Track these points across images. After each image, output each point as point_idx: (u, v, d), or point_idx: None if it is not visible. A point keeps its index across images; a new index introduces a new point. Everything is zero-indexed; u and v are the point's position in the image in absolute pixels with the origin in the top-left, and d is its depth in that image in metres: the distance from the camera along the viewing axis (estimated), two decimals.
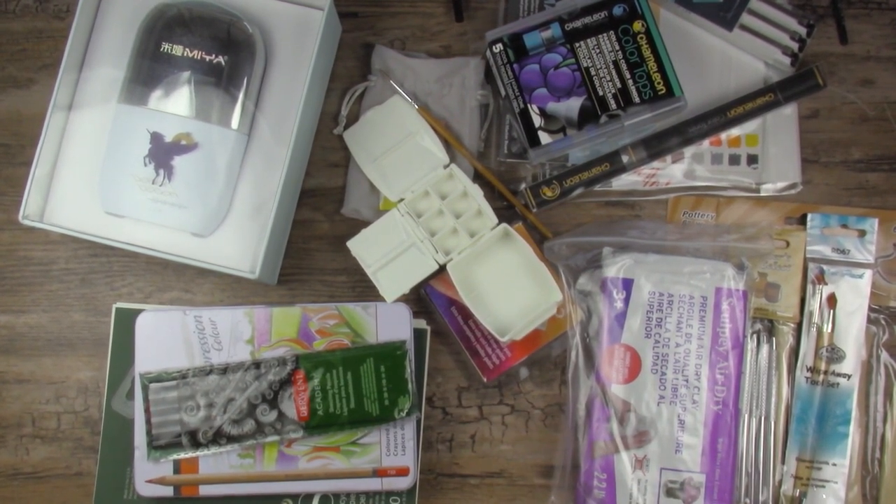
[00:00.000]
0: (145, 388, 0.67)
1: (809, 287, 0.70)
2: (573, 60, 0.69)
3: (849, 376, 0.69)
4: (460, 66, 0.72)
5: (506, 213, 0.71)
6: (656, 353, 0.67)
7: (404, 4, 0.74)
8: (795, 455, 0.68)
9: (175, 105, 0.67)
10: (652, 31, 0.68)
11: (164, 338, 0.68)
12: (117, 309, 0.71)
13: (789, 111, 0.72)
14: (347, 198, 0.71)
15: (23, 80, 0.74)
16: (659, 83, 0.68)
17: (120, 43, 0.68)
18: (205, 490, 0.67)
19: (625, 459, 0.67)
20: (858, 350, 0.69)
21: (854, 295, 0.69)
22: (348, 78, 0.74)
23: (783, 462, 0.69)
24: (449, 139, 0.71)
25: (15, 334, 0.72)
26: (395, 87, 0.71)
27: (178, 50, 0.67)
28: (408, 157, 0.70)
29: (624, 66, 0.68)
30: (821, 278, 0.70)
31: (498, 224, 0.67)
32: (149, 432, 0.67)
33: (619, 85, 0.68)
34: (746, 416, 0.68)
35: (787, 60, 0.71)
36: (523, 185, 0.71)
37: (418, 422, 0.69)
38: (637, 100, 0.68)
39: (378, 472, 0.67)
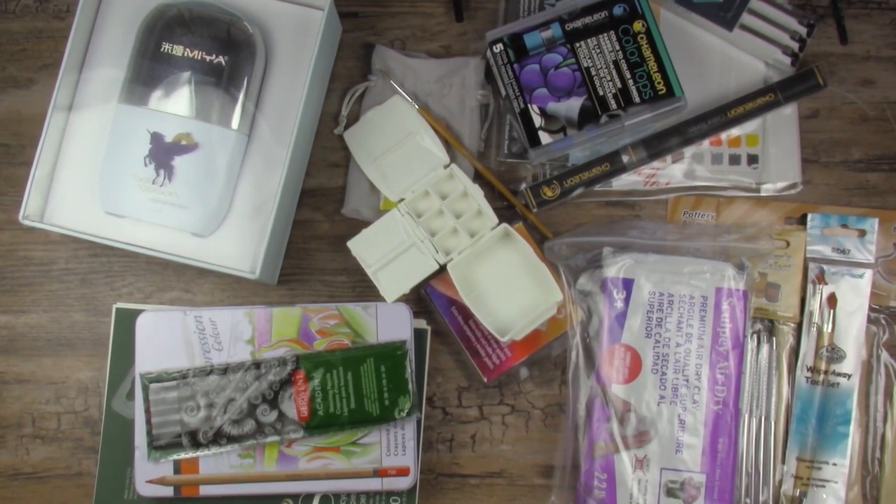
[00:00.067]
0: (145, 389, 0.67)
1: (810, 287, 0.70)
2: (573, 60, 0.69)
3: (849, 376, 0.69)
4: (460, 66, 0.72)
5: (506, 213, 0.71)
6: (656, 353, 0.67)
7: (404, 4, 0.74)
8: (796, 455, 0.68)
9: (175, 105, 0.67)
10: (652, 30, 0.68)
11: (165, 338, 0.68)
12: (117, 309, 0.71)
13: (789, 111, 0.72)
14: (348, 198, 0.71)
15: (23, 80, 0.74)
16: (659, 83, 0.68)
17: (120, 43, 0.68)
18: (205, 490, 0.67)
19: (625, 459, 0.67)
20: (858, 350, 0.69)
21: (854, 295, 0.69)
22: (348, 78, 0.74)
23: (783, 462, 0.69)
24: (449, 139, 0.71)
25: (15, 334, 0.72)
26: (396, 87, 0.71)
27: (178, 50, 0.67)
28: (408, 157, 0.70)
29: (624, 66, 0.68)
30: (821, 278, 0.70)
31: (498, 224, 0.67)
32: (149, 432, 0.67)
33: (619, 85, 0.68)
34: (747, 415, 0.69)
35: (787, 60, 0.71)
36: (523, 185, 0.71)
37: (418, 422, 0.69)
38: (637, 100, 0.68)
39: (378, 472, 0.67)
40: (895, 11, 0.73)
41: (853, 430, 0.68)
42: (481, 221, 0.68)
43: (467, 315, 0.69)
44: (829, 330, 0.69)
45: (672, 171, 0.72)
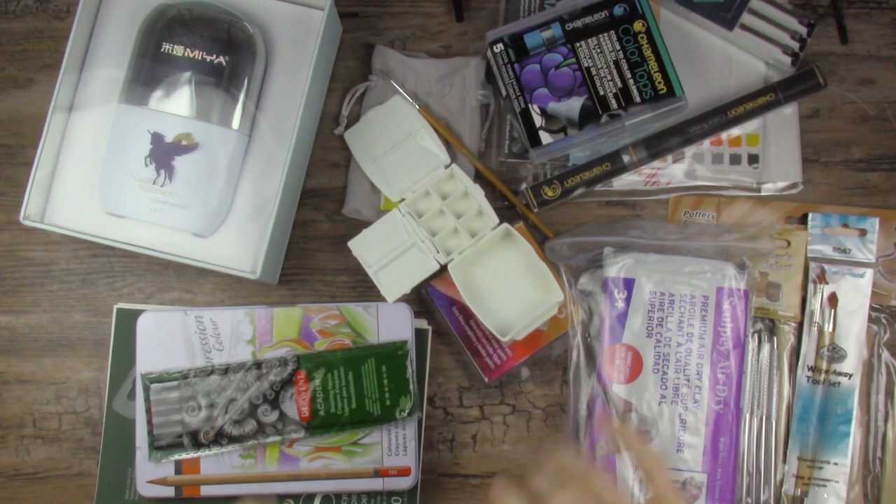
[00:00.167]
0: (146, 389, 0.67)
1: (810, 286, 0.70)
2: (574, 60, 0.69)
3: (850, 375, 0.69)
4: (461, 65, 0.72)
5: (507, 212, 0.71)
6: (657, 353, 0.67)
7: (405, 4, 0.74)
8: (797, 454, 0.68)
9: (176, 105, 0.67)
10: (652, 30, 0.68)
11: (166, 338, 0.68)
12: (118, 309, 0.71)
13: (790, 111, 0.72)
14: (348, 198, 0.71)
15: (23, 81, 0.73)
16: (660, 83, 0.68)
17: (120, 43, 0.68)
18: (206, 490, 0.67)
19: (626, 459, 0.67)
20: (859, 349, 0.69)
21: (855, 294, 0.69)
22: (349, 78, 0.74)
23: (784, 461, 0.69)
24: (450, 139, 0.71)
25: (16, 335, 0.72)
26: (396, 87, 0.71)
27: (178, 50, 0.67)
28: (409, 157, 0.70)
29: (625, 66, 0.68)
30: (822, 278, 0.70)
31: (499, 224, 0.67)
32: (150, 433, 0.67)
33: (619, 85, 0.68)
34: (748, 415, 0.69)
35: (787, 60, 0.71)
36: (524, 185, 0.71)
37: (419, 422, 0.69)
38: (638, 99, 0.68)
39: (379, 473, 0.67)
40: (895, 11, 0.73)
41: (854, 429, 0.68)
42: (482, 221, 0.68)
43: (468, 315, 0.69)
44: (830, 329, 0.69)
45: (673, 171, 0.72)
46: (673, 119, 0.70)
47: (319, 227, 0.72)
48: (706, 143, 0.72)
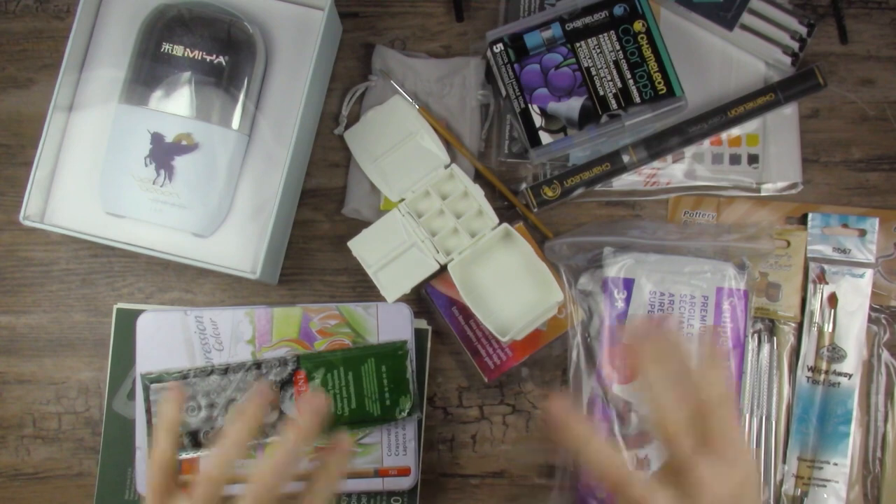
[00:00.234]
0: (146, 389, 0.67)
1: (810, 287, 0.70)
2: (574, 60, 0.69)
3: (850, 376, 0.69)
4: (461, 65, 0.72)
5: (506, 212, 0.71)
6: None
7: (405, 4, 0.74)
8: (796, 454, 0.68)
9: (176, 105, 0.67)
10: (652, 30, 0.68)
11: (165, 338, 0.68)
12: (118, 309, 0.71)
13: (790, 111, 0.72)
14: (348, 198, 0.71)
15: (23, 80, 0.74)
16: (659, 83, 0.68)
17: (120, 43, 0.68)
18: None
19: (626, 459, 0.67)
20: (859, 349, 0.69)
21: (855, 294, 0.69)
22: (349, 78, 0.74)
23: (784, 461, 0.69)
24: (449, 139, 0.71)
25: (16, 335, 0.72)
26: (396, 87, 0.71)
27: (178, 50, 0.67)
28: (408, 157, 0.70)
29: (624, 66, 0.68)
30: (822, 278, 0.70)
31: (499, 224, 0.67)
32: (150, 433, 0.67)
33: (619, 85, 0.68)
34: (747, 415, 0.69)
35: (787, 60, 0.71)
36: (524, 185, 0.71)
37: (419, 422, 0.69)
38: (638, 99, 0.68)
39: (379, 473, 0.67)
40: (895, 11, 0.73)
41: (854, 429, 0.68)
42: (482, 221, 0.68)
43: (468, 315, 0.69)
44: (830, 329, 0.69)
45: (672, 171, 0.72)
46: (673, 119, 0.70)
47: (319, 227, 0.72)
48: (706, 143, 0.72)
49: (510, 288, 0.68)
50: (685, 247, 0.69)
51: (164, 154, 0.67)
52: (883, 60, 0.73)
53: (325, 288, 0.72)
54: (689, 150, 0.72)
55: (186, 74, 0.67)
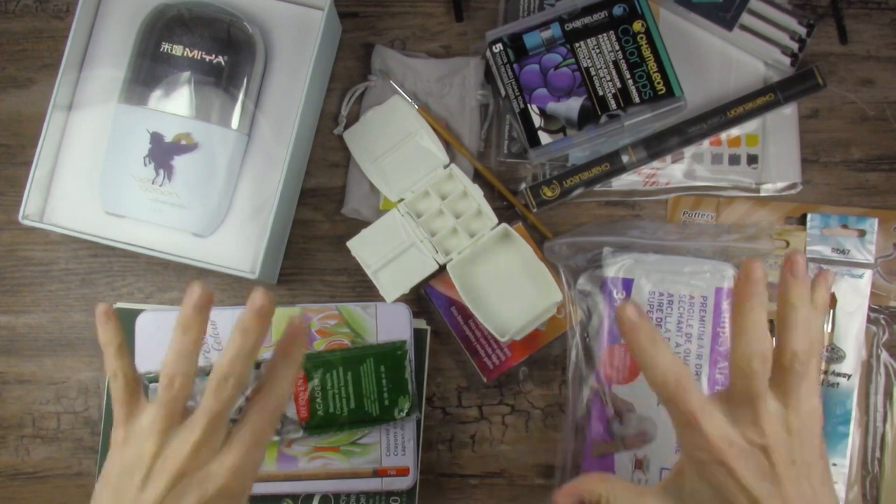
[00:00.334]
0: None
1: None
2: (573, 60, 0.69)
3: (849, 376, 0.69)
4: (460, 66, 0.72)
5: (506, 213, 0.71)
6: None
7: (404, 4, 0.74)
8: None
9: (175, 105, 0.67)
10: (652, 31, 0.68)
11: (165, 338, 0.68)
12: (118, 309, 0.71)
13: (789, 111, 0.72)
14: (347, 198, 0.71)
15: (23, 80, 0.74)
16: (659, 83, 0.68)
17: (120, 43, 0.68)
18: None
19: (625, 459, 0.67)
20: (858, 350, 0.69)
21: (854, 295, 0.69)
22: (348, 78, 0.74)
23: None
24: (449, 139, 0.71)
25: (15, 334, 0.72)
26: (396, 87, 0.71)
27: (178, 50, 0.67)
28: (408, 157, 0.70)
29: (624, 66, 0.68)
30: None
31: (498, 224, 0.67)
32: None
33: (619, 85, 0.68)
34: None
35: (786, 60, 0.71)
36: (523, 185, 0.71)
37: (418, 422, 0.69)
38: (637, 100, 0.68)
39: (378, 473, 0.67)
40: (895, 11, 0.73)
41: (853, 430, 0.68)
42: (481, 221, 0.68)
43: (467, 315, 0.69)
44: (829, 330, 0.69)
45: (672, 171, 0.72)
46: (672, 119, 0.70)
47: (319, 226, 0.72)
48: (705, 143, 0.72)
49: (509, 288, 0.68)
50: (684, 247, 0.69)
51: (163, 154, 0.67)
52: (883, 60, 0.73)
53: (324, 288, 0.72)
54: (689, 151, 0.72)
55: (186, 74, 0.67)
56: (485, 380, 0.69)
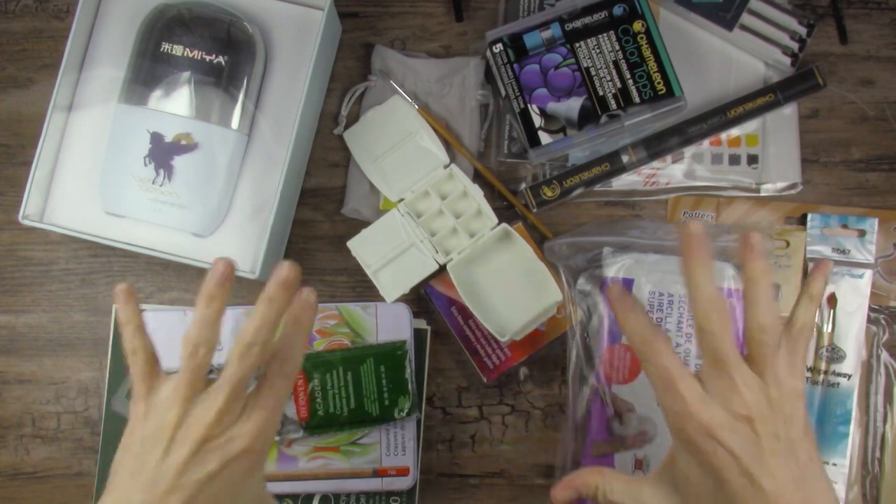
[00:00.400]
0: None
1: None
2: (573, 60, 0.69)
3: (849, 376, 0.69)
4: (460, 66, 0.72)
5: (506, 213, 0.71)
6: None
7: (404, 4, 0.74)
8: None
9: (175, 105, 0.67)
10: (652, 31, 0.68)
11: (165, 338, 0.68)
12: (118, 309, 0.70)
13: (789, 111, 0.72)
14: (348, 198, 0.71)
15: (23, 80, 0.74)
16: (659, 83, 0.68)
17: (120, 43, 0.68)
18: None
19: (625, 459, 0.67)
20: (859, 350, 0.69)
21: (854, 295, 0.69)
22: (348, 78, 0.74)
23: None
24: (449, 139, 0.71)
25: (15, 334, 0.72)
26: (396, 87, 0.71)
27: (178, 50, 0.67)
28: (408, 157, 0.70)
29: (624, 66, 0.68)
30: None
31: (498, 224, 0.67)
32: None
33: (619, 85, 0.68)
34: None
35: (787, 60, 0.71)
36: (523, 185, 0.71)
37: (418, 422, 0.69)
38: (637, 100, 0.68)
39: (378, 472, 0.67)
40: (895, 11, 0.73)
41: (853, 430, 0.68)
42: (481, 221, 0.68)
43: (467, 315, 0.69)
44: (829, 330, 0.69)
45: (672, 171, 0.72)
46: (672, 119, 0.70)
47: (319, 226, 0.72)
48: (705, 143, 0.72)
49: (509, 288, 0.68)
50: None
51: (163, 154, 0.67)
52: (883, 60, 0.73)
53: (324, 288, 0.72)
54: (689, 151, 0.72)
55: (186, 74, 0.67)
56: (485, 380, 0.69)
